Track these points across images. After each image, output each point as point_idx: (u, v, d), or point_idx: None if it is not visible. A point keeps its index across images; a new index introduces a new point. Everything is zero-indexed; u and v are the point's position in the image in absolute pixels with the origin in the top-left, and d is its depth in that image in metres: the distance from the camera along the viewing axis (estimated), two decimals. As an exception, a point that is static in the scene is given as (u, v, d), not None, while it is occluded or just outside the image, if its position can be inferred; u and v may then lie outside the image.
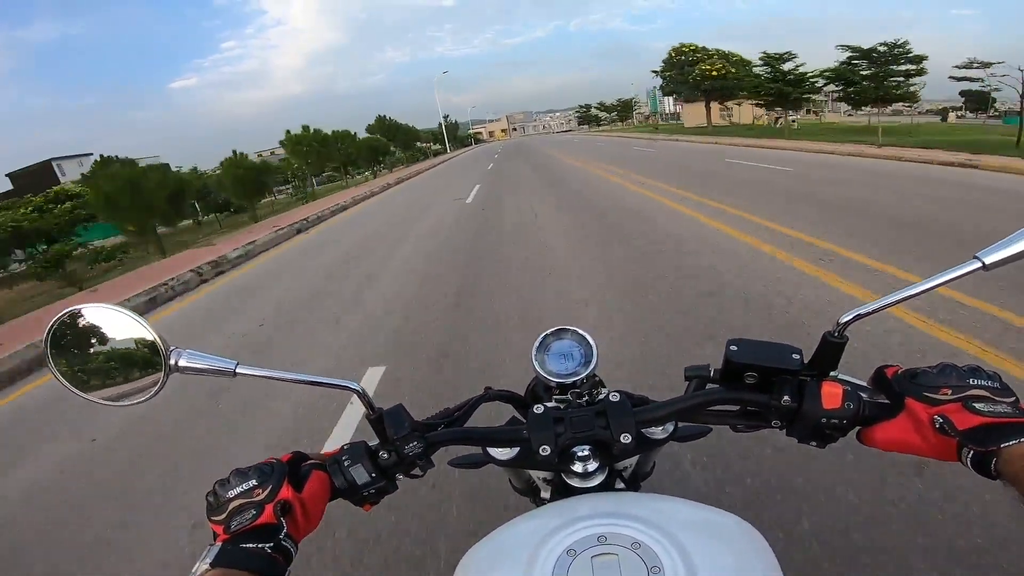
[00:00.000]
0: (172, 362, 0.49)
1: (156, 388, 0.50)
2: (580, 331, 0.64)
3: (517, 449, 0.57)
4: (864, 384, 0.53)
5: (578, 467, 0.56)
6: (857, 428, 0.51)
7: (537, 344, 0.63)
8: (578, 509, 0.52)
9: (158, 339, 0.49)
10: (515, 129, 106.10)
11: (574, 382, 0.60)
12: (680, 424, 0.61)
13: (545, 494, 0.67)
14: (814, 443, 0.54)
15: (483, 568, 0.50)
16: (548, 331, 0.64)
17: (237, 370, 0.51)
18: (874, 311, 0.51)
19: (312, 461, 0.53)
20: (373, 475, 0.54)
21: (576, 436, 0.55)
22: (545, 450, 0.54)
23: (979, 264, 0.47)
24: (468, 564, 0.51)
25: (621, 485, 0.65)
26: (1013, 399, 0.47)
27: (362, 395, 0.55)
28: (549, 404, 0.58)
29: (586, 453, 0.55)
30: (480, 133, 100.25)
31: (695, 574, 0.42)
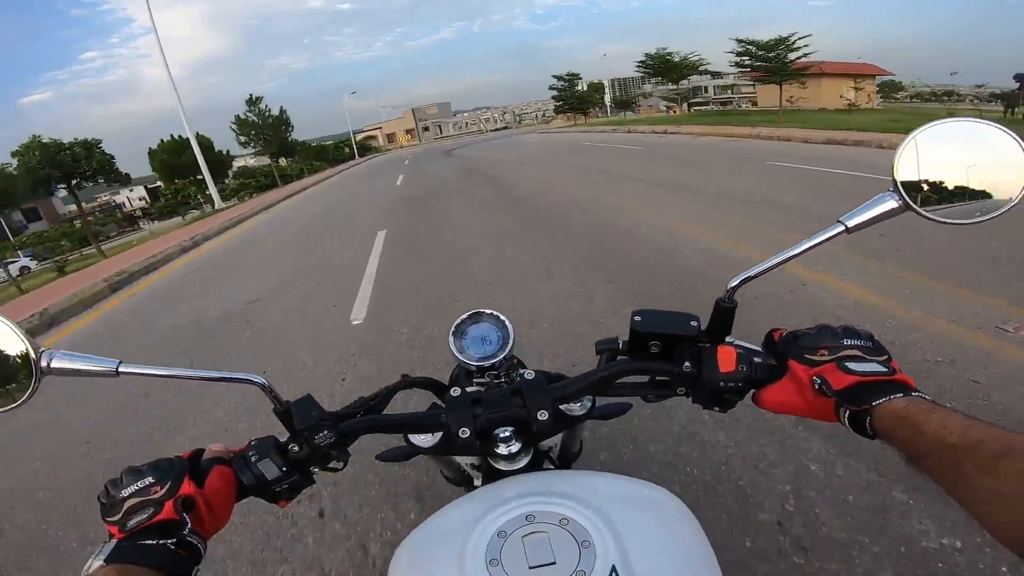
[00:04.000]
0: (44, 364, 0.48)
1: (27, 394, 0.49)
2: (496, 314, 0.67)
3: (440, 435, 0.58)
4: (758, 348, 0.56)
5: (502, 449, 0.57)
6: (752, 391, 0.55)
7: (453, 329, 0.67)
8: (506, 491, 0.54)
9: (26, 341, 0.48)
10: (426, 129, 73.12)
11: (493, 364, 0.65)
12: (598, 402, 0.63)
13: (477, 482, 0.67)
14: (716, 408, 0.57)
15: (416, 558, 0.51)
16: (464, 315, 0.67)
17: (120, 369, 0.50)
18: (758, 274, 0.54)
19: (213, 456, 0.52)
20: (284, 469, 0.52)
21: (493, 416, 0.56)
22: (464, 432, 0.54)
23: (843, 228, 0.52)
24: (401, 556, 0.52)
25: (550, 466, 0.71)
26: (885, 357, 0.50)
27: (266, 388, 0.54)
28: (469, 388, 0.59)
29: (508, 434, 0.57)
30: (374, 138, 68.81)
31: (623, 545, 0.45)
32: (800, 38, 19.52)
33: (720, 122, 20.50)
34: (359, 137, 63.45)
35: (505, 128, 66.35)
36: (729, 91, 73.57)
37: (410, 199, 10.57)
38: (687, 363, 0.55)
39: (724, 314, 0.55)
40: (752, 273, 0.54)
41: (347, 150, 44.64)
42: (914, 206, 0.52)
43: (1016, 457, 0.37)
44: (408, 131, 71.68)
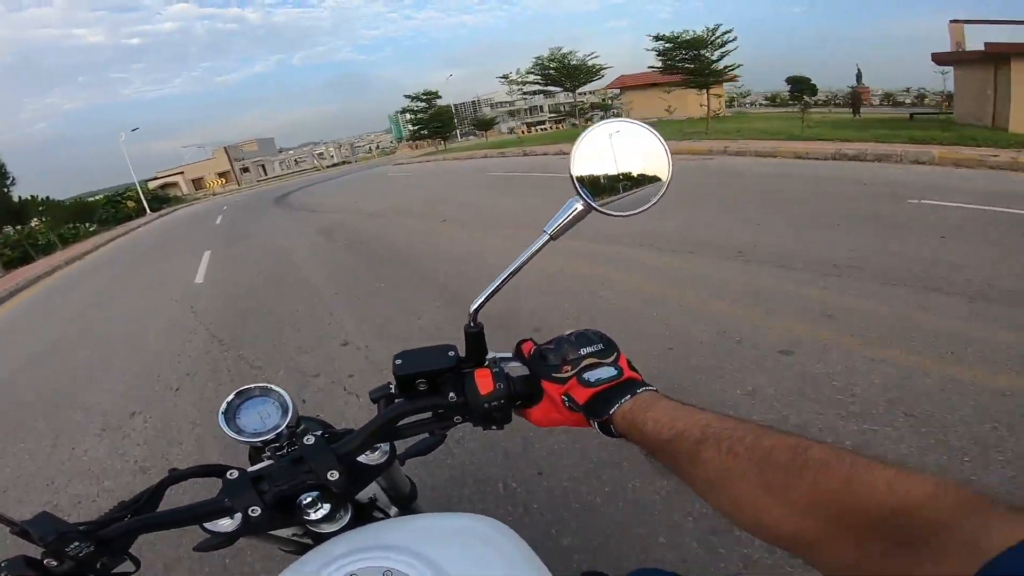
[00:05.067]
0: None
1: None
2: (270, 386, 0.65)
3: (239, 517, 0.55)
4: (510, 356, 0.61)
5: (312, 515, 0.57)
6: (521, 408, 0.59)
7: (223, 410, 0.63)
8: (329, 553, 0.54)
9: None
10: (246, 170, 57.85)
11: (277, 436, 0.62)
12: (396, 451, 0.65)
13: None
14: (494, 427, 0.60)
15: None
16: (231, 395, 0.64)
17: None
18: (490, 295, 0.59)
19: None
20: None
21: (280, 489, 0.55)
22: (255, 511, 0.53)
23: (548, 236, 0.58)
24: None
25: (381, 515, 0.71)
26: (615, 355, 0.55)
27: None
28: (258, 466, 0.59)
29: (311, 499, 0.57)
30: (174, 185, 52.15)
31: None
32: (725, 33, 16.71)
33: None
34: (155, 185, 49.60)
35: (344, 163, 57.75)
36: (562, 109, 75.83)
37: (219, 352, 4.14)
38: (452, 393, 0.58)
39: (474, 338, 0.59)
40: (486, 295, 0.59)
41: (131, 204, 32.67)
42: (594, 206, 0.58)
43: (710, 444, 0.41)
44: (222, 174, 55.63)
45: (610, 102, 22.68)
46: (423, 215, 9.10)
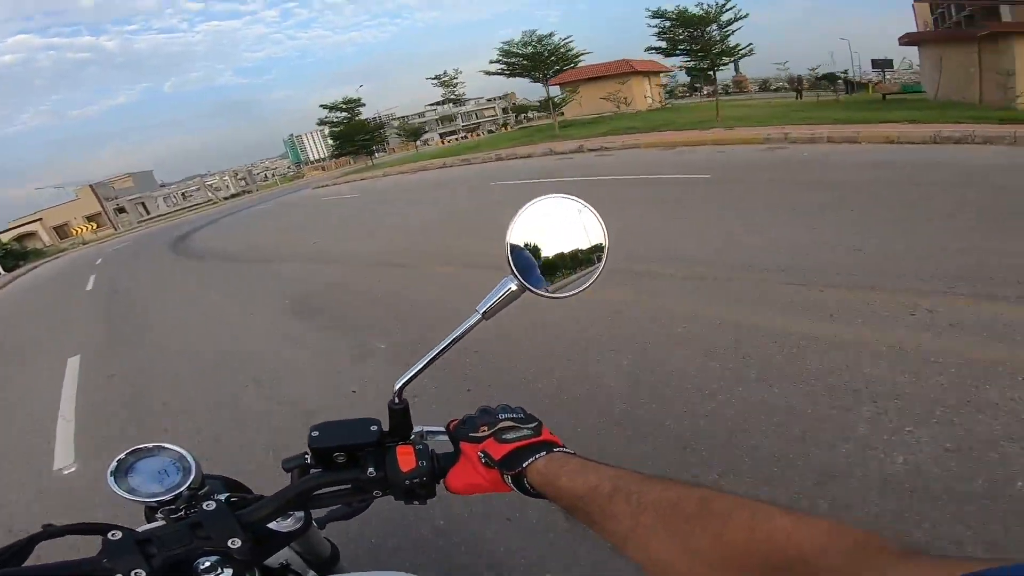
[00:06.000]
0: None
1: None
2: (167, 445, 0.61)
3: None
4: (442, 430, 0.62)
5: None
6: (442, 480, 0.58)
7: (112, 468, 0.58)
8: None
9: None
10: (121, 211, 46.87)
11: (175, 497, 0.58)
12: (313, 516, 0.64)
13: None
14: (415, 502, 0.59)
15: None
16: (124, 452, 0.60)
17: None
18: (416, 373, 0.59)
19: None
20: None
21: (172, 554, 0.52)
22: (139, 574, 0.50)
23: (479, 315, 0.58)
24: None
25: None
26: (535, 423, 0.56)
27: None
28: (148, 526, 0.58)
29: (209, 564, 0.53)
30: (32, 235, 41.19)
31: None
32: (731, 7, 14.53)
33: (642, 128, 14.42)
34: (9, 237, 39.45)
35: (244, 193, 50.28)
36: (474, 117, 73.68)
37: None
38: (371, 468, 0.57)
39: (398, 415, 0.59)
40: (411, 374, 0.59)
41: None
42: (528, 286, 0.58)
43: (620, 498, 0.43)
44: (91, 217, 44.93)
45: (562, 99, 19.92)
46: (482, 259, 5.65)
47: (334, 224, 10.96)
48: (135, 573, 0.49)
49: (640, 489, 0.42)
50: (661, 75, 32.97)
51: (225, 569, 0.53)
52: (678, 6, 15.08)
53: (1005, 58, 15.84)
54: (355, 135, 26.79)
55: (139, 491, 0.58)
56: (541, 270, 0.59)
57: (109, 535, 0.51)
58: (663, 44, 15.89)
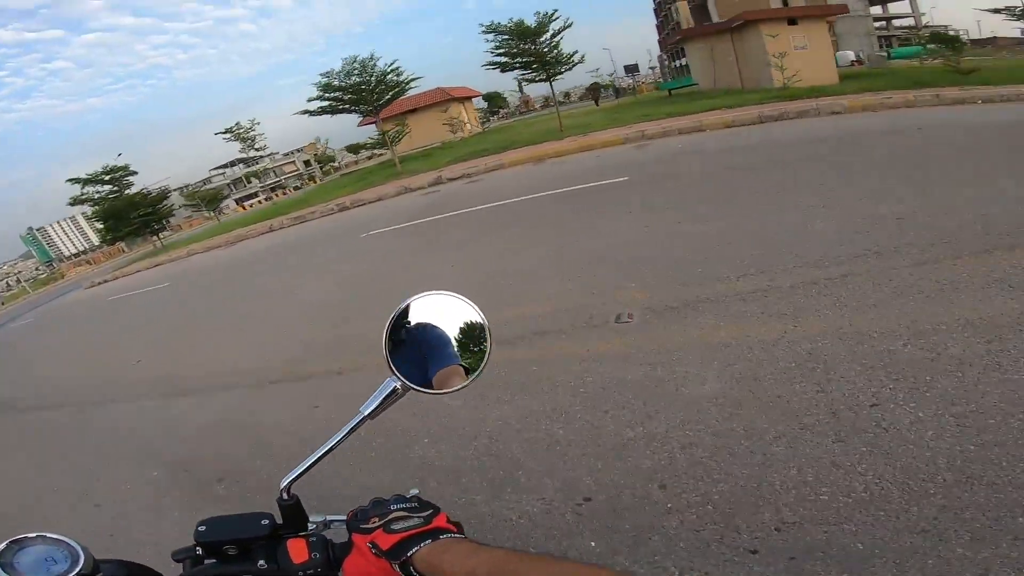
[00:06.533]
0: None
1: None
2: (51, 535, 0.56)
3: None
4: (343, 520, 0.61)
5: None
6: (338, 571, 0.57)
7: None
8: None
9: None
10: None
11: None
12: None
13: None
14: None
15: None
16: (6, 541, 0.54)
17: None
18: (304, 471, 0.60)
19: None
20: None
21: None
22: None
23: (363, 415, 0.60)
24: None
25: None
26: (428, 512, 0.56)
27: None
28: None
29: None
30: None
31: None
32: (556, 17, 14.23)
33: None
34: None
35: None
36: (272, 175, 67.18)
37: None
38: (262, 561, 0.56)
39: (290, 509, 0.60)
40: (299, 471, 0.60)
41: None
42: (412, 385, 0.59)
43: None
44: None
45: (398, 131, 18.00)
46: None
47: (152, 328, 7.62)
48: None
49: (517, 570, 0.43)
50: (472, 100, 33.25)
51: None
52: (511, 19, 14.70)
53: (754, 45, 18.73)
54: (130, 212, 21.06)
55: None
56: (424, 365, 0.60)
57: None
58: (501, 59, 15.30)
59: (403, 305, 0.60)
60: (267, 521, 0.58)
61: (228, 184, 63.22)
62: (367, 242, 8.45)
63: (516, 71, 15.84)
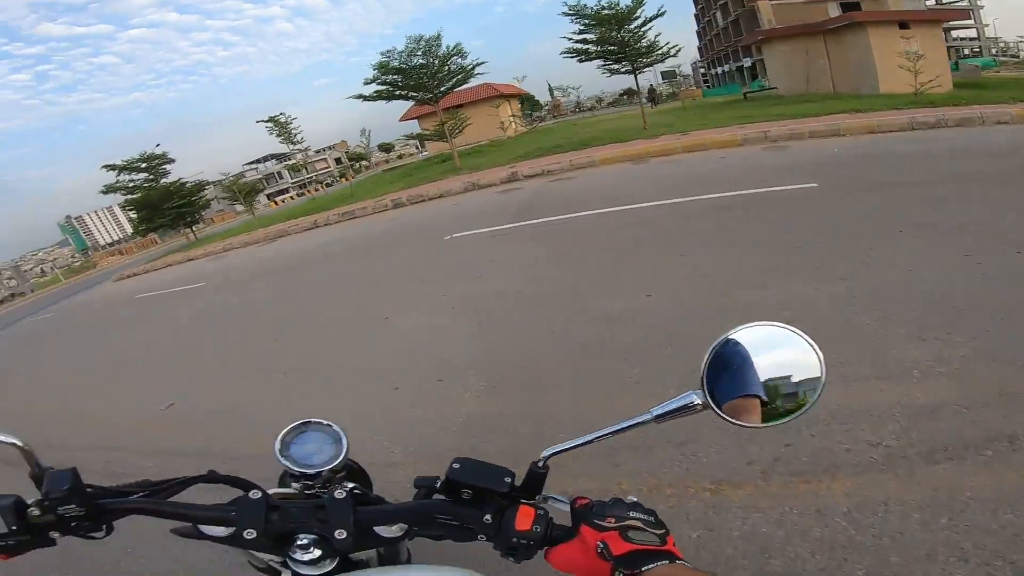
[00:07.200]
0: None
1: None
2: (331, 424, 0.66)
3: (233, 528, 0.56)
4: (566, 502, 0.61)
5: (300, 555, 0.57)
6: (544, 548, 0.57)
7: (282, 436, 0.64)
8: None
9: None
10: None
11: (318, 473, 0.62)
12: (415, 528, 0.62)
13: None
14: (511, 558, 0.58)
15: None
16: (293, 424, 0.65)
17: None
18: (570, 448, 0.59)
19: None
20: (14, 528, 0.52)
21: (288, 525, 0.56)
22: (251, 533, 0.54)
23: (651, 417, 0.57)
24: None
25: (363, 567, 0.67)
26: (663, 532, 0.54)
27: (25, 450, 0.54)
28: (281, 489, 0.64)
29: (306, 542, 0.57)
30: None
31: None
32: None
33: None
34: None
35: (16, 296, 36.80)
36: (304, 171, 66.79)
37: None
38: (488, 516, 0.58)
39: (535, 476, 0.60)
40: (565, 447, 0.59)
41: None
42: (715, 408, 0.55)
43: None
44: None
45: (462, 120, 16.19)
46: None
47: (187, 349, 5.88)
48: (248, 531, 0.54)
49: None
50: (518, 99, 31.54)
51: (316, 550, 0.57)
52: (599, 2, 12.88)
53: (857, 48, 16.61)
54: (164, 202, 19.70)
55: (291, 458, 0.62)
56: (735, 395, 0.56)
57: (250, 493, 0.56)
58: (587, 46, 13.46)
59: (734, 332, 0.55)
60: (509, 479, 0.58)
61: (261, 179, 63.03)
62: (463, 248, 6.66)
63: (598, 60, 13.95)
